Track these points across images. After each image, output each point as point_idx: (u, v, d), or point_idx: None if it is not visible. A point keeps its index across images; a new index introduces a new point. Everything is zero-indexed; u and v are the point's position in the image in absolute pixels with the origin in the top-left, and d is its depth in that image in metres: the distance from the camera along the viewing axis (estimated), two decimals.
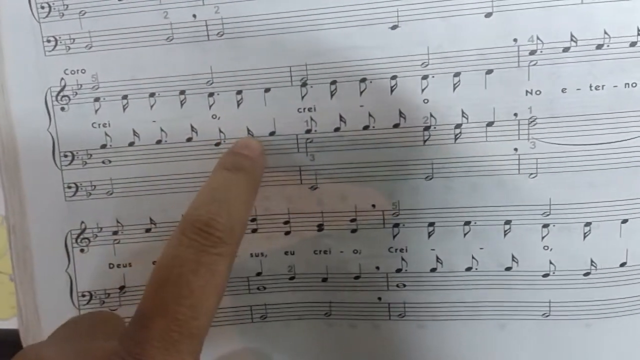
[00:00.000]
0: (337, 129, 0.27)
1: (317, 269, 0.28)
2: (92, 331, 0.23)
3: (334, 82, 0.26)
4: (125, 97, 0.28)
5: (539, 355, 0.28)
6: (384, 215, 0.28)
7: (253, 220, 0.28)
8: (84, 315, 0.25)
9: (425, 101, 0.26)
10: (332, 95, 0.27)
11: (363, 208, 0.28)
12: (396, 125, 0.27)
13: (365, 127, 0.27)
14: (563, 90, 0.25)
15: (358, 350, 0.29)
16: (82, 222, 0.29)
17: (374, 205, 0.28)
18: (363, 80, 0.26)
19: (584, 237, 0.26)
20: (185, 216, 0.22)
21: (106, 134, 0.28)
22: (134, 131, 0.28)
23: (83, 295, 0.29)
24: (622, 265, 0.27)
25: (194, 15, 0.27)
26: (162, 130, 0.28)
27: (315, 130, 0.27)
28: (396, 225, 0.28)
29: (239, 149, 0.26)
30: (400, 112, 0.26)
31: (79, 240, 0.29)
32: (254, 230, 0.28)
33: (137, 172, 0.28)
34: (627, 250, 0.27)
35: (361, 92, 0.26)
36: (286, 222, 0.28)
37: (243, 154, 0.25)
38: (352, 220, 0.28)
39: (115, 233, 0.29)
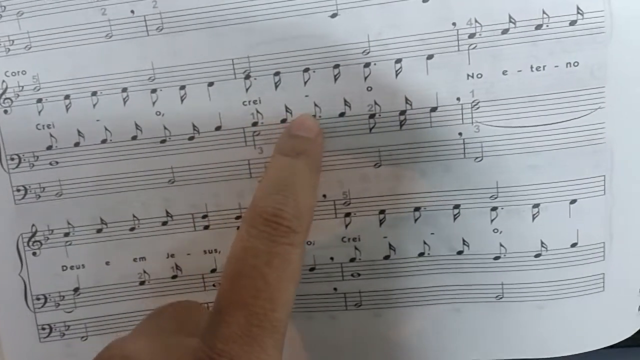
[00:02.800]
0: (283, 120, 0.27)
1: None
2: (175, 325, 0.23)
3: (277, 73, 0.26)
4: (67, 97, 0.27)
5: (495, 337, 0.28)
6: (335, 205, 0.27)
7: (204, 216, 0.28)
8: (167, 307, 0.25)
9: (369, 89, 0.26)
10: (276, 87, 0.26)
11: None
12: (342, 114, 0.26)
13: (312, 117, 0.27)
14: (504, 73, 0.25)
15: (315, 342, 0.29)
16: (33, 225, 0.29)
17: (324, 196, 0.27)
18: (306, 70, 0.26)
19: (533, 218, 0.26)
20: (251, 208, 0.22)
21: (51, 135, 0.28)
22: (78, 131, 0.28)
23: (37, 299, 0.29)
24: (573, 245, 0.27)
25: (132, 11, 0.26)
26: (106, 129, 0.27)
27: (262, 123, 0.27)
28: (348, 214, 0.28)
29: (295, 131, 0.25)
30: (345, 101, 0.26)
31: (30, 244, 0.29)
32: (206, 227, 0.28)
33: (84, 173, 0.28)
34: (577, 231, 0.27)
35: (305, 82, 0.26)
36: (238, 217, 0.28)
37: (300, 135, 0.24)
38: None
39: (66, 235, 0.29)
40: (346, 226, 0.28)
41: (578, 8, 0.24)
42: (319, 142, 0.25)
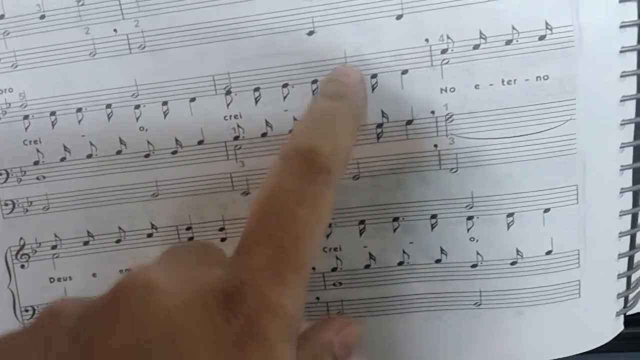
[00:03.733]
0: (264, 134, 0.27)
1: None
2: (194, 258, 0.22)
3: (257, 89, 0.27)
4: (53, 113, 0.28)
5: (475, 344, 0.29)
6: None
7: (188, 228, 0.29)
8: (185, 244, 0.24)
9: None
10: (256, 102, 0.27)
11: None
12: None
13: (291, 131, 0.27)
14: (476, 87, 0.26)
15: None
16: (21, 238, 0.29)
17: None
18: (285, 85, 0.27)
19: (508, 227, 0.27)
20: (287, 144, 0.21)
21: (38, 151, 0.28)
22: (64, 146, 0.28)
23: (26, 310, 0.30)
24: (548, 253, 0.27)
25: (115, 30, 0.27)
26: (91, 144, 0.28)
27: (243, 137, 0.27)
28: (329, 225, 0.28)
29: (338, 77, 0.24)
30: None
31: (18, 257, 0.29)
32: (190, 239, 0.29)
33: (71, 187, 0.29)
34: (552, 239, 0.27)
35: (284, 97, 0.27)
36: (221, 229, 0.29)
37: (342, 81, 0.24)
38: None
39: (54, 247, 0.29)
40: (327, 236, 0.28)
41: (547, 23, 0.25)
42: (360, 90, 0.25)
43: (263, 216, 0.20)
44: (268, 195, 0.20)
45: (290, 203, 0.20)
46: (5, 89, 0.28)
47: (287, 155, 0.21)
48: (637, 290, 0.30)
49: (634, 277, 0.30)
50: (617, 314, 0.30)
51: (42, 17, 0.27)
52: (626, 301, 0.30)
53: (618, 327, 0.30)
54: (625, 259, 0.29)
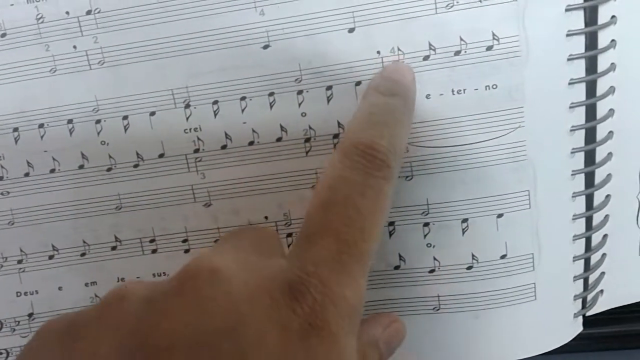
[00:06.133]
0: (224, 147, 0.28)
1: None
2: (253, 247, 0.22)
3: (215, 102, 0.27)
4: (16, 129, 0.28)
5: (434, 348, 0.29)
6: (277, 226, 0.29)
7: (152, 241, 0.29)
8: (244, 230, 0.24)
9: (303, 114, 0.27)
10: (215, 115, 0.28)
11: (256, 221, 0.29)
12: (279, 139, 0.28)
13: (251, 143, 0.28)
14: (427, 97, 0.26)
15: None
16: None
17: (266, 217, 0.29)
18: (243, 98, 0.27)
19: (463, 232, 0.28)
20: (346, 139, 0.22)
21: (2, 167, 0.29)
22: (27, 162, 0.29)
23: None
24: (503, 257, 0.28)
25: (74, 47, 0.27)
26: (54, 159, 0.28)
27: (203, 149, 0.28)
28: (289, 234, 0.29)
29: (393, 74, 0.25)
30: (282, 126, 0.27)
31: None
32: (154, 251, 0.29)
33: (35, 202, 0.29)
34: (506, 243, 0.28)
35: (242, 110, 0.27)
36: (185, 241, 0.29)
37: (396, 79, 0.25)
38: None
39: (20, 262, 0.30)
40: (289, 245, 0.29)
41: (493, 34, 0.26)
42: (413, 89, 0.25)
43: (325, 209, 0.20)
44: (329, 188, 0.21)
45: (353, 196, 0.20)
46: None
47: (348, 151, 0.21)
48: (595, 291, 0.31)
49: (591, 279, 0.31)
50: (575, 315, 0.30)
51: (3, 35, 0.28)
52: (584, 302, 0.31)
53: (577, 328, 0.31)
54: (581, 261, 0.30)
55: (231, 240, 0.23)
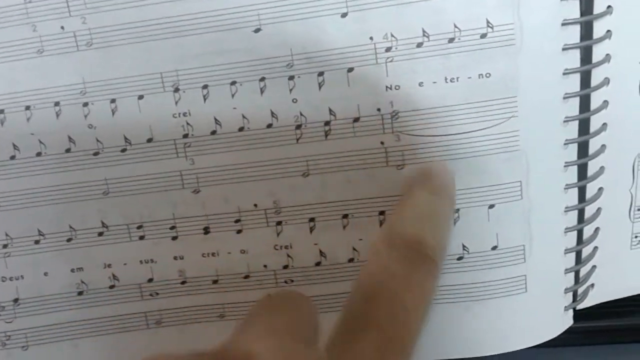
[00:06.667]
0: (213, 132, 0.27)
1: (207, 272, 0.29)
2: (289, 324, 0.21)
3: (205, 87, 0.27)
4: (1, 111, 0.28)
5: (424, 339, 0.29)
6: (266, 214, 0.28)
7: (139, 227, 0.29)
8: (279, 304, 0.22)
9: (294, 101, 0.27)
10: (204, 99, 0.27)
11: (246, 208, 0.28)
12: (269, 126, 0.27)
13: (241, 129, 0.27)
14: (420, 84, 0.26)
15: None
16: None
17: (256, 205, 0.28)
18: (233, 83, 0.27)
19: (454, 223, 0.27)
20: (392, 230, 0.22)
21: None
22: (13, 145, 0.28)
23: None
24: (494, 248, 0.28)
25: (62, 27, 0.27)
26: (40, 142, 0.28)
27: (192, 135, 0.28)
28: (279, 223, 0.28)
29: (438, 173, 0.26)
30: (272, 113, 0.27)
31: None
32: (142, 237, 0.29)
33: (20, 185, 0.28)
34: (497, 234, 0.28)
35: (233, 95, 0.27)
36: (172, 227, 0.29)
37: (443, 180, 0.25)
38: (237, 221, 0.28)
39: (5, 246, 0.29)
40: (278, 234, 0.28)
41: (488, 22, 0.25)
42: (455, 188, 0.26)
43: (369, 303, 0.20)
44: (372, 279, 0.21)
45: (399, 291, 0.20)
46: None
47: (395, 243, 0.22)
48: (585, 285, 0.31)
49: (582, 272, 0.31)
50: (566, 309, 0.30)
51: None
52: (575, 295, 0.31)
53: (567, 321, 0.31)
54: (573, 254, 0.30)
55: (265, 317, 0.22)
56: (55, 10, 0.27)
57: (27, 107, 0.28)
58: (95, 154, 0.28)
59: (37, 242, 0.29)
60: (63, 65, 0.27)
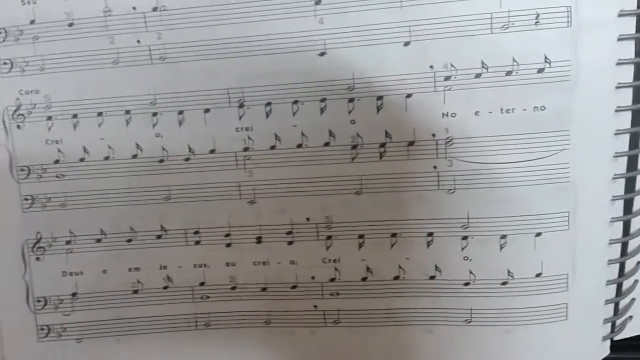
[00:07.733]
0: (272, 147, 0.29)
1: (257, 280, 0.30)
2: None
3: (268, 104, 0.28)
4: (75, 116, 0.29)
5: (465, 359, 0.30)
6: (317, 228, 0.29)
7: (196, 232, 0.30)
8: None
9: (352, 122, 0.28)
10: (267, 116, 0.29)
11: (298, 221, 0.29)
12: (327, 144, 0.28)
13: (299, 145, 0.29)
14: (476, 113, 0.27)
15: (296, 356, 0.31)
16: (38, 232, 0.31)
17: (308, 219, 0.29)
18: (295, 102, 0.28)
19: (501, 248, 0.28)
20: None
21: (59, 150, 0.30)
22: (84, 148, 0.30)
23: (38, 301, 0.31)
24: (538, 275, 0.29)
25: (138, 41, 0.28)
26: (109, 147, 0.30)
27: (253, 148, 0.29)
28: (329, 237, 0.29)
29: None
30: (330, 132, 0.28)
31: (34, 249, 0.31)
32: (197, 242, 0.30)
33: (88, 186, 0.30)
34: (542, 262, 0.28)
35: (294, 113, 0.28)
36: (227, 235, 0.30)
37: None
38: (289, 233, 0.30)
39: (68, 243, 0.31)
40: (327, 248, 0.30)
41: (546, 57, 0.26)
42: None
43: None
44: None
45: None
46: (31, 91, 0.30)
47: None
48: (624, 317, 0.31)
49: (622, 304, 0.31)
50: (604, 339, 0.31)
51: (71, 24, 0.29)
52: (613, 326, 0.31)
53: (604, 351, 0.31)
54: (614, 286, 0.30)
55: None
56: (133, 25, 0.28)
57: (99, 114, 0.29)
58: (160, 161, 0.29)
59: (98, 240, 0.31)
60: (136, 76, 0.29)
